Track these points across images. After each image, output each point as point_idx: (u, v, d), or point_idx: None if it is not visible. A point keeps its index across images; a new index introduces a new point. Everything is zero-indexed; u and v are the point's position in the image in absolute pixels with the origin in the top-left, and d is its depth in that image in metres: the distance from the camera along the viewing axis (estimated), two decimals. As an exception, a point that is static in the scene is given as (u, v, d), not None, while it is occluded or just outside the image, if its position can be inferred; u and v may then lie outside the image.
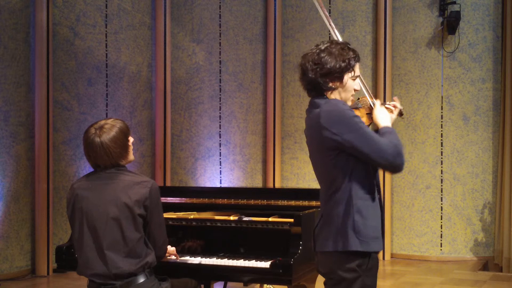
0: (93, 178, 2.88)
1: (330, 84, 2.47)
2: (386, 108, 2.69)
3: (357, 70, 2.53)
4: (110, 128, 2.83)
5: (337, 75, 2.46)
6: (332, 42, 2.51)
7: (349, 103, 2.56)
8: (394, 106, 2.70)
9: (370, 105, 2.69)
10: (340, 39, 2.68)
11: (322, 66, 2.44)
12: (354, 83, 2.53)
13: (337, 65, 2.44)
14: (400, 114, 2.75)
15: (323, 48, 2.47)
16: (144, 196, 2.81)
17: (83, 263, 2.84)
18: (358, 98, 2.75)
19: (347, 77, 2.49)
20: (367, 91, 2.71)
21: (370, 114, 2.70)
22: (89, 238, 2.80)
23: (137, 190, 2.80)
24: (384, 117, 2.57)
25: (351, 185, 2.42)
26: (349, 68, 2.47)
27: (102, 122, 2.88)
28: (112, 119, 2.91)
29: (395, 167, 2.40)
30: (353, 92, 2.55)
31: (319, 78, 2.45)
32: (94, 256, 2.79)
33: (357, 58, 2.51)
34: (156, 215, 2.89)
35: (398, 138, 2.45)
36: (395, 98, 2.76)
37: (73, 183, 2.94)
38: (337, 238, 2.42)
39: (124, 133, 2.88)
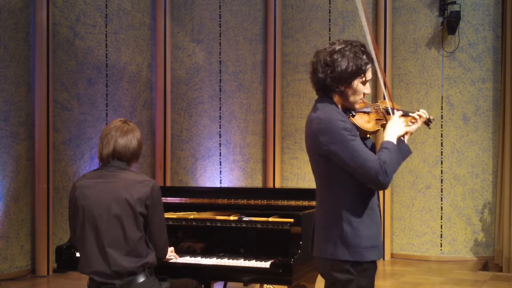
0: (95, 175, 2.90)
1: (338, 87, 2.42)
2: (409, 116, 2.59)
3: (369, 74, 2.46)
4: (137, 129, 2.99)
5: (347, 79, 2.40)
6: (347, 43, 2.44)
7: (357, 106, 2.52)
8: (419, 116, 2.60)
9: (386, 111, 2.60)
10: (369, 38, 2.52)
11: (334, 69, 2.38)
12: (364, 86, 2.47)
13: (348, 69, 2.39)
14: (427, 123, 2.65)
15: (337, 49, 2.41)
16: (146, 195, 2.83)
17: (84, 260, 2.86)
18: (377, 101, 2.68)
19: (357, 81, 2.43)
20: (390, 97, 2.61)
21: (381, 120, 2.60)
22: (91, 236, 2.82)
23: (139, 189, 2.83)
24: (393, 130, 2.48)
25: (341, 193, 2.40)
26: (360, 73, 2.42)
27: (126, 122, 2.97)
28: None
29: (377, 185, 2.33)
30: (362, 96, 2.50)
31: (328, 79, 2.40)
32: (95, 253, 2.81)
33: (370, 63, 2.46)
34: (157, 215, 2.91)
35: (393, 157, 2.37)
36: (422, 110, 2.64)
37: (75, 181, 2.97)
38: (327, 245, 2.41)
39: (140, 136, 3.03)
